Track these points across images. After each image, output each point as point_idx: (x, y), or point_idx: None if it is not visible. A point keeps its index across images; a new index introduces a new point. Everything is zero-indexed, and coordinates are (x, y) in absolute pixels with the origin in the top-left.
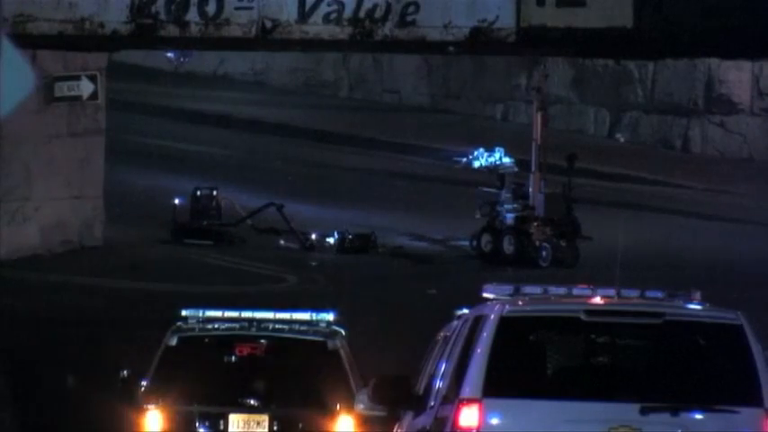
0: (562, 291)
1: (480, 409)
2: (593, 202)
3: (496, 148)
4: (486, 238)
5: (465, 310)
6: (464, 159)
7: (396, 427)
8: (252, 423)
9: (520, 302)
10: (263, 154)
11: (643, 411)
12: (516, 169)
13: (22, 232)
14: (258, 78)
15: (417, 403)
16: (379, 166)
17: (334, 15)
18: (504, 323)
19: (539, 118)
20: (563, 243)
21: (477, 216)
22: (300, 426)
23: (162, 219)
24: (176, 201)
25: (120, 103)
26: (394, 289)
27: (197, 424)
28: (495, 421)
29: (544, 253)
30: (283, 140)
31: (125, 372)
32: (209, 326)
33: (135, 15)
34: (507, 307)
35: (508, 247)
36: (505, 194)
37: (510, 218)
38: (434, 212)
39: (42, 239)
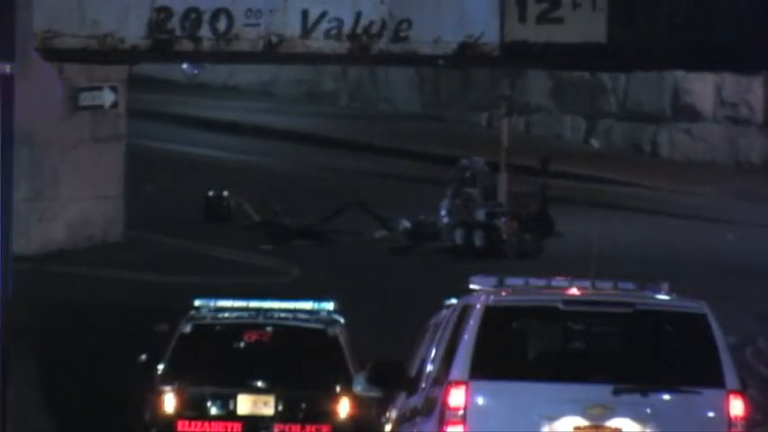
0: (542, 282)
1: (467, 391)
2: (569, 202)
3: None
4: (459, 233)
5: (453, 300)
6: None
7: (390, 407)
8: (259, 403)
9: (503, 293)
10: (270, 158)
11: (615, 392)
12: (486, 168)
13: (51, 229)
14: (265, 89)
15: (410, 385)
16: (375, 169)
17: (334, 31)
18: (489, 312)
19: (506, 123)
20: (528, 237)
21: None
22: (303, 406)
23: (178, 218)
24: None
25: (140, 111)
26: (386, 279)
27: (209, 404)
28: (480, 401)
29: (510, 246)
30: (288, 145)
31: (143, 356)
32: (221, 315)
33: (153, 31)
34: (492, 297)
35: (478, 241)
36: (478, 193)
37: (480, 214)
38: (426, 210)
39: (69, 236)
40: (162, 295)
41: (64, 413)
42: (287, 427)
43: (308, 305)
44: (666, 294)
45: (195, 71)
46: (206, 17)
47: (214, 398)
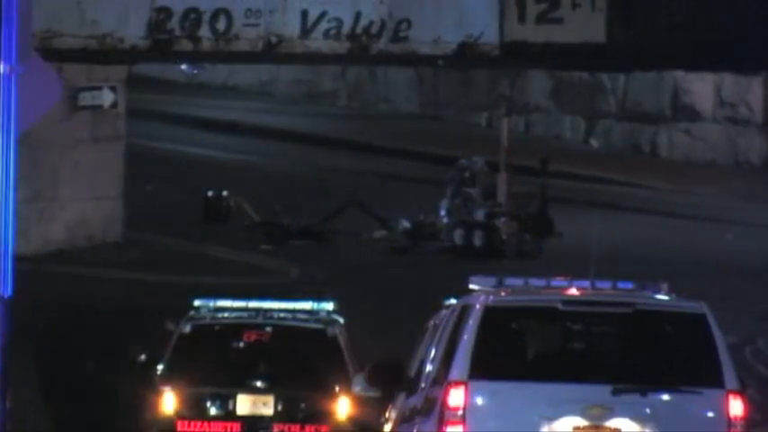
0: (541, 282)
1: (467, 391)
2: (569, 202)
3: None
4: (458, 233)
5: (453, 300)
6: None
7: (389, 407)
8: (258, 403)
9: (503, 293)
10: (270, 158)
11: (614, 393)
12: (486, 168)
13: (50, 229)
14: (264, 89)
15: (409, 385)
16: (375, 169)
17: (333, 32)
18: (489, 312)
19: (505, 123)
20: (528, 237)
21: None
22: (302, 406)
23: (177, 218)
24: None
25: (139, 111)
26: (386, 279)
27: (208, 404)
28: (480, 401)
29: (510, 246)
30: (288, 145)
31: (143, 356)
32: (220, 315)
33: (152, 31)
34: (491, 297)
35: (477, 240)
36: (477, 193)
37: (480, 214)
38: (426, 210)
39: (68, 236)
40: (161, 295)
41: (64, 413)
42: (286, 428)
43: (307, 305)
44: (666, 294)
45: (195, 71)
46: (206, 17)
47: (213, 398)
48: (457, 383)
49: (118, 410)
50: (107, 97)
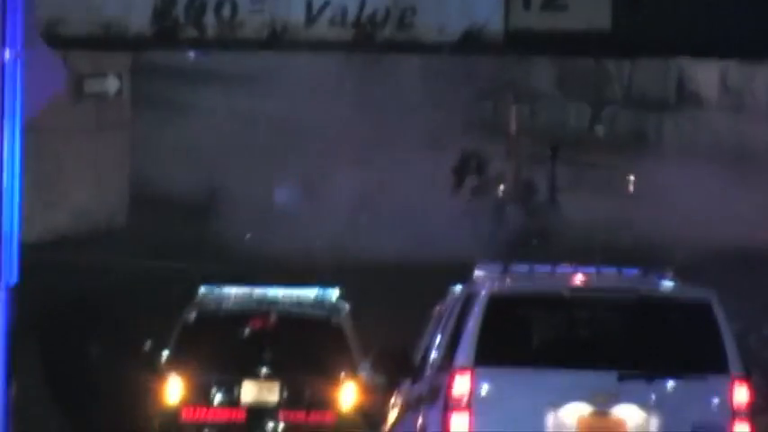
0: (547, 269)
1: (472, 378)
2: (575, 189)
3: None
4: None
5: (459, 287)
6: None
7: (395, 393)
8: (263, 390)
9: (508, 280)
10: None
11: (620, 379)
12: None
13: (54, 217)
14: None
15: (414, 372)
16: None
17: (338, 19)
18: (494, 299)
19: (513, 110)
20: (536, 224)
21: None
22: (307, 392)
23: (181, 205)
24: None
25: (146, 98)
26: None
27: (213, 391)
28: (485, 388)
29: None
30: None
31: (148, 343)
32: (225, 302)
33: (157, 18)
34: (497, 284)
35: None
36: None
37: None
38: None
39: (72, 223)
40: (165, 282)
41: (69, 401)
42: (291, 414)
43: (312, 292)
44: (671, 281)
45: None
46: (211, 4)
47: (219, 385)
48: (462, 370)
49: (123, 398)
50: (112, 85)
